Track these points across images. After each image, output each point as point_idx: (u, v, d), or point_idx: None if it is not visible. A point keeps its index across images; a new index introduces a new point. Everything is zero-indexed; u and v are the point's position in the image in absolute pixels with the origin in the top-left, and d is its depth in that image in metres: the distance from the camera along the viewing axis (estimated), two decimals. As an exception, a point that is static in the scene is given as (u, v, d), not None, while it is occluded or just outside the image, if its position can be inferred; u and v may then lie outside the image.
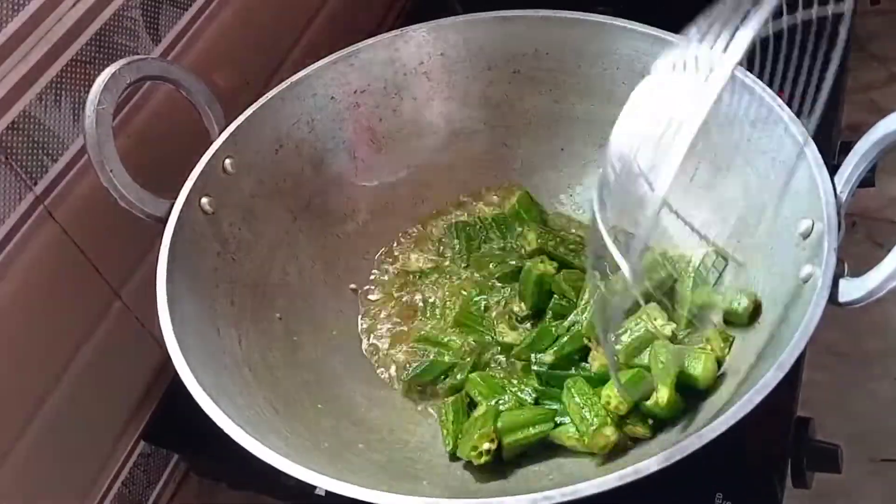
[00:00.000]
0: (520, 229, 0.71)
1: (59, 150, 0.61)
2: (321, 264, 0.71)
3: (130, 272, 0.69)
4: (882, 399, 0.77)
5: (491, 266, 0.69)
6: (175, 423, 0.71)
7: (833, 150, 0.74)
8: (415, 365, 0.65)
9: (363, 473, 0.55)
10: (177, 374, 0.52)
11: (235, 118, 0.66)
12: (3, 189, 0.57)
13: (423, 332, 0.67)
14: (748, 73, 0.60)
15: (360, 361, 0.67)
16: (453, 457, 0.59)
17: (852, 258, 0.52)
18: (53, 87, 0.59)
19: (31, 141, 0.59)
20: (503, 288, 0.68)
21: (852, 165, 0.54)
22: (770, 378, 0.45)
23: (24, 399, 0.61)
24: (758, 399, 0.45)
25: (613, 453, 0.55)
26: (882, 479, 0.73)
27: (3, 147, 0.57)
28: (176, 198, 0.61)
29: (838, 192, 0.53)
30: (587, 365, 0.60)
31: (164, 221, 0.60)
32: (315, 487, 0.47)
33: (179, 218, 0.60)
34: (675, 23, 0.65)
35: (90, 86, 0.58)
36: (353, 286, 0.72)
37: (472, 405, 0.62)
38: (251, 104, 0.67)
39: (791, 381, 0.47)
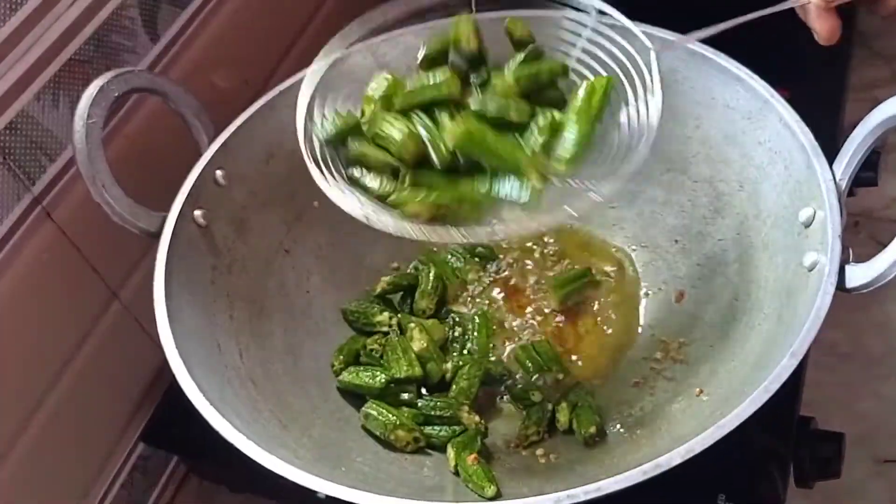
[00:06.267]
0: None
1: (57, 150, 0.61)
2: (317, 274, 0.70)
3: (129, 273, 0.68)
4: (886, 399, 0.77)
5: None
6: (174, 424, 0.71)
7: (837, 148, 0.73)
8: None
9: (369, 481, 0.54)
10: (176, 376, 0.51)
11: (229, 123, 0.65)
12: (1, 189, 0.57)
13: None
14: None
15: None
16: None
17: (856, 258, 0.52)
18: (51, 87, 0.59)
19: (29, 141, 0.58)
20: None
21: (850, 152, 0.54)
22: (784, 366, 0.45)
23: (23, 400, 0.61)
24: (774, 388, 0.45)
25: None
26: (886, 480, 0.72)
27: (0, 147, 0.56)
28: (168, 211, 0.60)
29: (838, 179, 0.54)
30: None
31: (157, 236, 0.59)
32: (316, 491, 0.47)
33: (173, 232, 0.59)
34: (675, 22, 0.65)
35: (88, 85, 0.58)
36: (350, 294, 0.71)
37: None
38: (251, 103, 0.66)
39: (794, 380, 0.47)
